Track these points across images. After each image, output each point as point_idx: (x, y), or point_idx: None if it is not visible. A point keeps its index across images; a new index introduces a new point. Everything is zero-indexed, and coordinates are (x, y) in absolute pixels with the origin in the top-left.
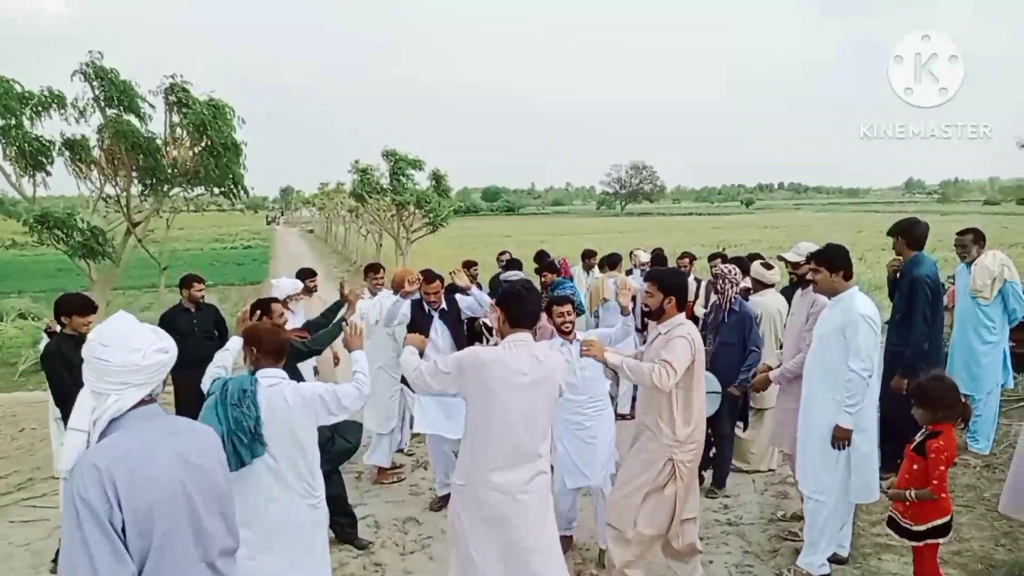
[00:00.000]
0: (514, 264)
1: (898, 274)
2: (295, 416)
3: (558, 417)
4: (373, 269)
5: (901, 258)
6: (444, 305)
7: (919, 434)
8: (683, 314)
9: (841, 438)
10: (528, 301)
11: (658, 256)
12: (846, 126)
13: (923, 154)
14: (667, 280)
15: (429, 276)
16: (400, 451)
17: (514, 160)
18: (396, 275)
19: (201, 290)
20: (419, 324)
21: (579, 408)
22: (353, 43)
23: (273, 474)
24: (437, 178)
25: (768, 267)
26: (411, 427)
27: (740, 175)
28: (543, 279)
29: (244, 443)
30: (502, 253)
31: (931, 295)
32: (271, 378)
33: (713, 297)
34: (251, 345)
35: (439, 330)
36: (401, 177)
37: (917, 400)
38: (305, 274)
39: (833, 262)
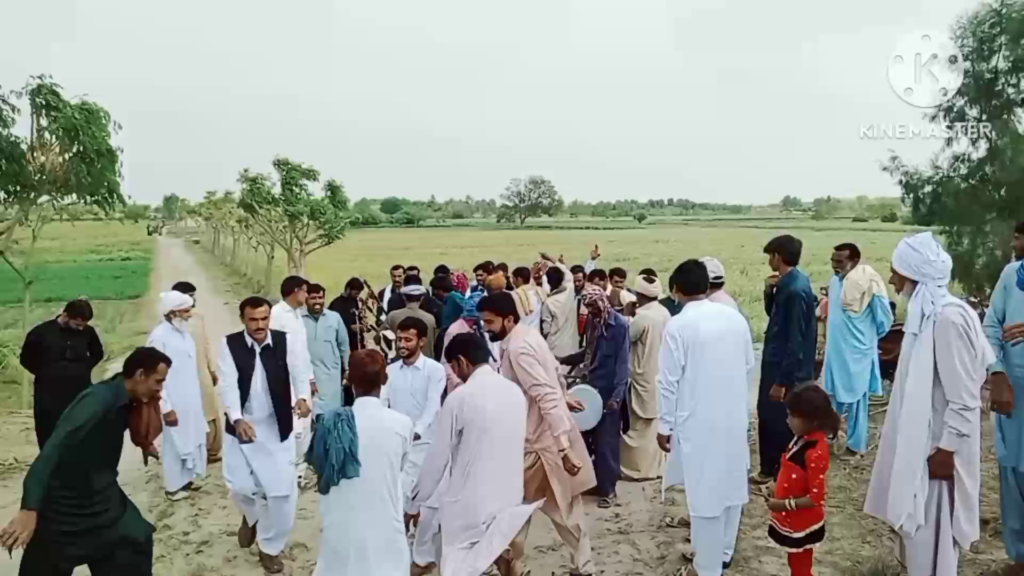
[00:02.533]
0: (414, 279)
1: (774, 289)
2: (390, 443)
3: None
4: (313, 289)
5: (778, 273)
6: (270, 340)
7: (794, 443)
8: (518, 324)
9: None
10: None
11: (555, 271)
12: (727, 142)
13: (799, 172)
14: (501, 304)
15: (254, 301)
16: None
17: (413, 173)
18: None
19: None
20: (240, 363)
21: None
22: (246, 47)
23: (364, 492)
24: (333, 189)
25: (650, 280)
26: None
27: (633, 189)
28: (437, 295)
29: (335, 468)
30: (395, 268)
31: (805, 308)
32: (368, 407)
33: (587, 309)
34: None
35: (258, 373)
36: (294, 187)
37: (794, 409)
38: (183, 289)
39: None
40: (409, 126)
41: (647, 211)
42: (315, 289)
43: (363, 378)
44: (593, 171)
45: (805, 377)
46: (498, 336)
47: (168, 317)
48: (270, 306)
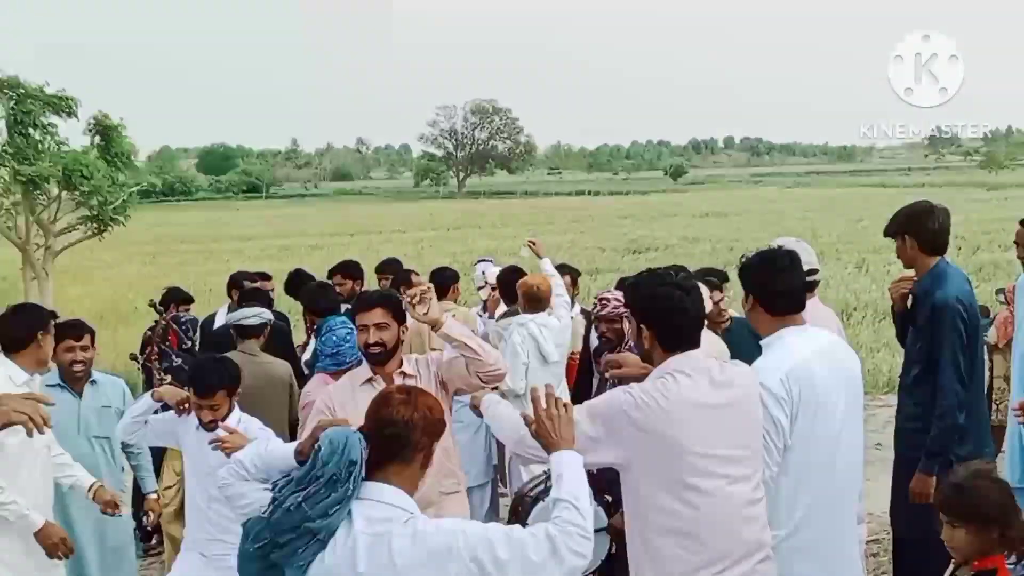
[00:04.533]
0: (252, 295)
1: (910, 300)
2: None
3: None
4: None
5: (913, 272)
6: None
7: (952, 573)
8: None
9: None
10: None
11: (508, 277)
12: (838, 48)
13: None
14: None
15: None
16: None
17: (258, 106)
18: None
19: None
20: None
21: None
22: None
23: None
24: (104, 130)
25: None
26: None
27: (662, 127)
28: (309, 322)
29: None
30: (233, 282)
31: (966, 331)
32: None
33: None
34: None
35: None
36: (30, 129)
37: (953, 514)
38: None
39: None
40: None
41: (686, 161)
42: (76, 334)
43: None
44: (591, 97)
45: (971, 455)
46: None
47: None
48: None
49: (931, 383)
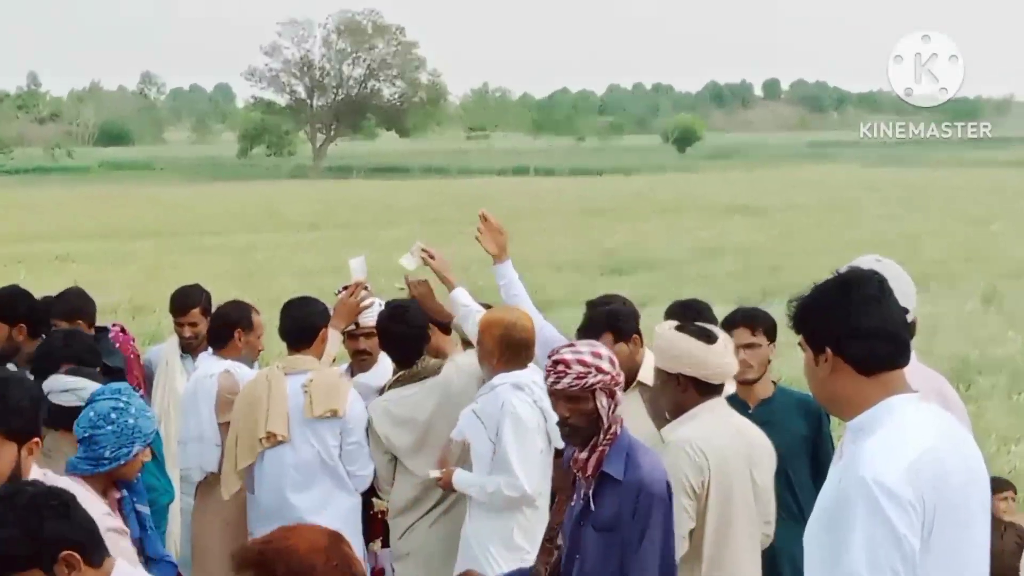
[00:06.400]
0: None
1: None
2: None
3: None
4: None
5: None
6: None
7: None
8: None
9: None
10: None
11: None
12: None
13: None
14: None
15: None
16: None
17: None
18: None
19: None
20: None
21: None
22: None
23: None
24: None
25: (708, 339)
26: None
27: (660, 62)
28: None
29: None
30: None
31: None
32: None
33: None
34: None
35: None
36: None
37: None
38: None
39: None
40: None
41: (700, 120)
42: None
43: None
44: (531, 18)
45: None
46: None
47: None
48: None
49: None
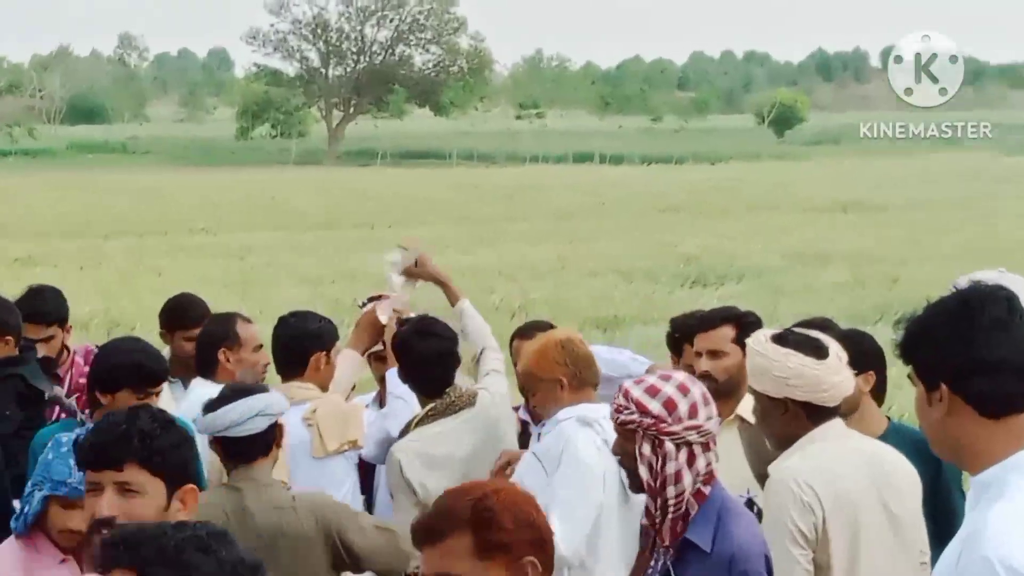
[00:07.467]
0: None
1: None
2: None
3: None
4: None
5: None
6: None
7: None
8: None
9: None
10: None
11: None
12: None
13: None
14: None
15: None
16: None
17: None
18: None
19: None
20: None
21: None
22: None
23: None
24: None
25: (819, 352)
26: None
27: (752, 28)
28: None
29: None
30: None
31: None
32: None
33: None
34: None
35: None
36: None
37: None
38: None
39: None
40: None
41: (803, 95)
42: None
43: None
44: None
45: None
46: None
47: None
48: None
49: None
